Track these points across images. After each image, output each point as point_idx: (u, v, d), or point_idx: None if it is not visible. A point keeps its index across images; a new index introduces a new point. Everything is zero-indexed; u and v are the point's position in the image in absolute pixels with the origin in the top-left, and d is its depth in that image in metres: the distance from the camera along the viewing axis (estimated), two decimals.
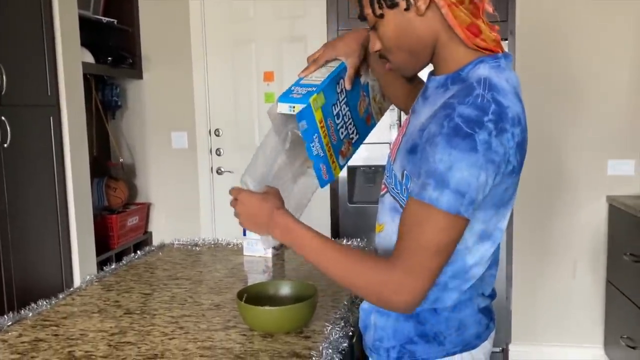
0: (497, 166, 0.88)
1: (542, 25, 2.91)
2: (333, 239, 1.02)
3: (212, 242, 1.82)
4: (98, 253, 2.93)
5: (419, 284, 0.89)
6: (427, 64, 1.01)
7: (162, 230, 3.53)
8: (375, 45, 1.01)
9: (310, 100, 1.07)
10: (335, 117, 1.14)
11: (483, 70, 0.94)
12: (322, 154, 1.10)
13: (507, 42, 2.57)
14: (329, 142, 1.13)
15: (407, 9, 0.95)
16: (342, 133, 1.16)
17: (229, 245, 1.80)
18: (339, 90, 1.14)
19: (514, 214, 2.80)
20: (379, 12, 0.97)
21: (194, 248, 1.78)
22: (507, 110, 0.89)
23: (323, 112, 1.10)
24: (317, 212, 3.26)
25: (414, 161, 0.95)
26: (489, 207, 0.94)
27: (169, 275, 1.50)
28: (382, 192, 1.09)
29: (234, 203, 1.09)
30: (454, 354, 1.00)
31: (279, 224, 1.03)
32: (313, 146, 1.08)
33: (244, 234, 1.68)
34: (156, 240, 3.53)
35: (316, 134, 1.09)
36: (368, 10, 0.99)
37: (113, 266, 1.56)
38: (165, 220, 3.53)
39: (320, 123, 1.09)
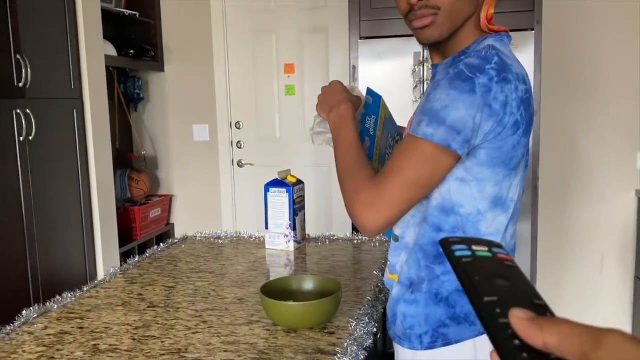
0: (496, 113, 0.91)
1: (569, 15, 2.84)
2: (364, 152, 1.07)
3: (235, 235, 1.81)
4: (121, 244, 2.96)
5: (387, 208, 0.93)
6: (446, 37, 1.02)
7: (184, 222, 3.56)
8: None
9: (383, 98, 1.18)
10: (388, 144, 1.22)
11: (487, 42, 1.00)
12: (371, 132, 1.16)
13: (533, 32, 2.51)
14: (379, 139, 1.17)
15: None
16: (385, 156, 1.22)
17: (251, 238, 1.79)
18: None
19: (539, 206, 2.74)
20: None
21: (216, 241, 1.78)
22: (510, 66, 0.94)
23: (385, 121, 1.19)
24: (338, 211, 3.25)
25: None
26: (497, 165, 0.96)
27: (192, 268, 1.50)
28: None
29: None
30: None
31: (341, 111, 1.11)
32: (368, 120, 1.17)
33: (267, 227, 1.67)
34: (178, 232, 3.55)
35: (375, 117, 1.17)
36: None
37: (136, 259, 1.57)
38: (187, 212, 3.55)
39: (381, 119, 1.17)
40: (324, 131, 1.19)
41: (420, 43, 1.06)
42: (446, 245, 0.40)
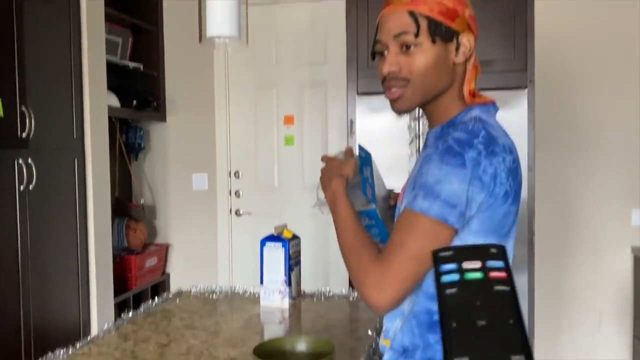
0: (487, 185, 0.95)
1: (561, 74, 2.92)
2: (362, 227, 1.09)
3: (229, 290, 1.81)
4: (116, 294, 2.93)
5: (395, 285, 0.95)
6: (419, 106, 1.09)
7: (180, 272, 3.54)
8: (393, 67, 1.04)
9: (372, 155, 1.23)
10: (382, 197, 1.27)
11: (474, 112, 1.05)
12: (370, 181, 1.21)
13: (526, 90, 2.58)
14: (376, 187, 1.22)
15: (457, 49, 1.04)
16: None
17: (246, 293, 1.78)
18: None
19: (535, 262, 2.74)
20: (431, 38, 1.02)
21: (211, 296, 1.77)
22: (497, 139, 0.98)
23: (376, 175, 1.23)
24: (336, 263, 3.25)
25: None
26: (490, 233, 0.98)
27: (185, 325, 1.50)
28: None
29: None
30: None
31: (332, 188, 1.16)
32: (365, 170, 1.22)
33: (261, 282, 1.67)
34: (173, 282, 3.53)
35: (370, 168, 1.21)
36: (412, 30, 1.02)
37: (130, 314, 1.56)
38: (184, 261, 3.54)
39: (375, 171, 1.22)
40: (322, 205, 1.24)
41: (394, 112, 1.11)
42: (436, 261, 0.35)
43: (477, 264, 0.34)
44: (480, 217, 0.97)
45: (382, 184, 1.29)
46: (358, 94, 2.76)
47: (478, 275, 0.34)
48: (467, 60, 1.07)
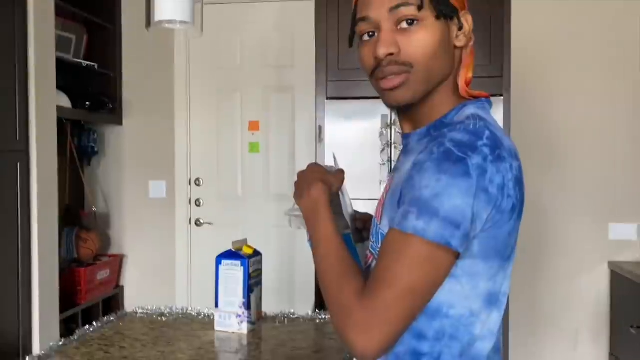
0: (494, 198, 0.78)
1: (538, 83, 2.83)
2: (346, 249, 0.90)
3: (181, 312, 1.62)
4: (63, 309, 2.71)
5: (385, 327, 0.78)
6: (422, 97, 0.88)
7: (135, 285, 3.31)
8: (392, 47, 0.85)
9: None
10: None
11: (469, 110, 0.88)
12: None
13: (502, 98, 2.48)
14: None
15: (460, 29, 0.89)
16: None
17: (200, 316, 1.60)
18: None
19: (511, 278, 2.63)
20: (435, 11, 0.85)
21: (159, 318, 1.58)
22: (502, 140, 0.82)
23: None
24: (302, 278, 3.08)
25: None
26: (492, 256, 0.82)
27: (124, 357, 1.30)
28: (368, 262, 0.95)
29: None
30: None
31: (311, 195, 0.95)
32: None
33: (217, 305, 1.49)
34: (128, 296, 3.31)
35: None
36: (413, 1, 0.84)
37: (61, 342, 1.35)
38: (139, 273, 3.31)
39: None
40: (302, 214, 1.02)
41: (389, 106, 0.91)
42: None
43: None
44: (481, 236, 0.80)
45: (349, 203, 1.12)
46: (327, 98, 2.61)
47: None
48: (464, 45, 0.91)
